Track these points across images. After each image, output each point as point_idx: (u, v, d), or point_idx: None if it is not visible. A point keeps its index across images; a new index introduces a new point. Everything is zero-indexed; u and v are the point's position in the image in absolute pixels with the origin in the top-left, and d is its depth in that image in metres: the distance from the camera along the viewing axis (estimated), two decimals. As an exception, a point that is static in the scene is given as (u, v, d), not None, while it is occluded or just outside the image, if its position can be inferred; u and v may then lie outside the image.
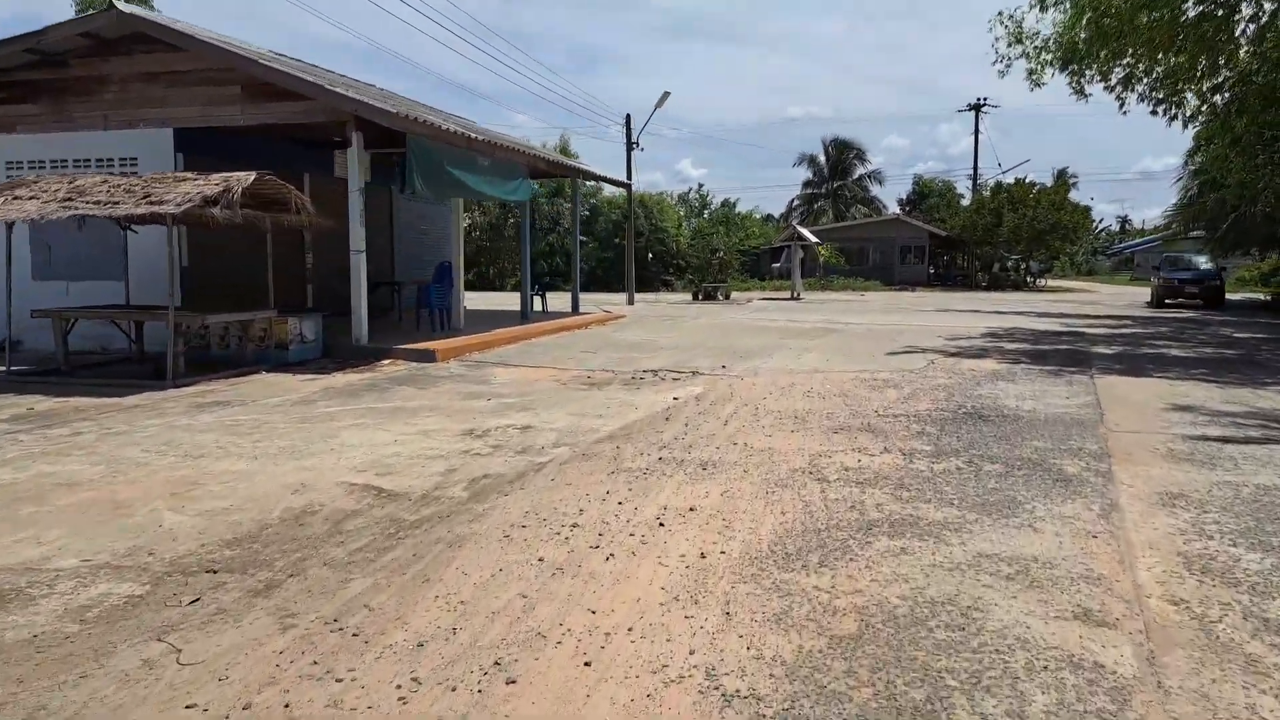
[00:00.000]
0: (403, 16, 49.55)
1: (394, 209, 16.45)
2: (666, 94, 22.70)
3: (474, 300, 23.23)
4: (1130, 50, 15.43)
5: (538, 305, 18.52)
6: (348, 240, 10.50)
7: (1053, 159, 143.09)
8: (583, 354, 11.30)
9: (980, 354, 11.54)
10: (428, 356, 10.45)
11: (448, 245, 18.36)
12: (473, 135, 11.03)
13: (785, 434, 6.20)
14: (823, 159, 58.73)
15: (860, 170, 59.09)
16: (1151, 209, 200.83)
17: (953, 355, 11.35)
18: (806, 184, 60.15)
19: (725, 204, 51.29)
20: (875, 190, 60.44)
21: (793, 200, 60.12)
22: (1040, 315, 20.31)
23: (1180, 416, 6.97)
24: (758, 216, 57.68)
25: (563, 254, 39.33)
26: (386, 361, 10.38)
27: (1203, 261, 24.34)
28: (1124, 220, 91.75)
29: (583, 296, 30.60)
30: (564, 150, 39.47)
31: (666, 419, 6.83)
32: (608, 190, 44.18)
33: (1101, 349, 12.46)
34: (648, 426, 6.52)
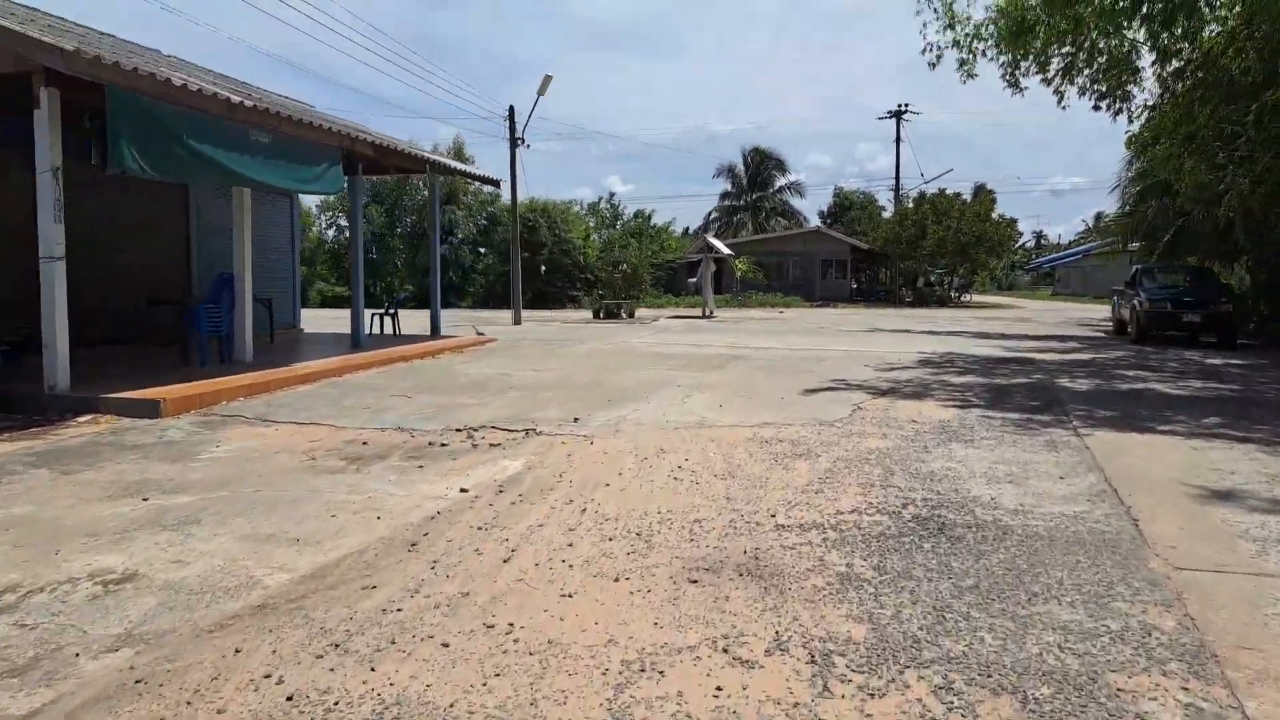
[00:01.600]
0: (297, 24, 45.55)
1: (192, 205, 13.17)
2: (549, 78, 19.95)
3: (324, 320, 19.94)
4: (1087, 21, 13.42)
5: (388, 327, 15.44)
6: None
7: (964, 176, 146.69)
8: (392, 399, 8.36)
9: (920, 392, 9.09)
10: (148, 409, 7.34)
11: (275, 251, 15.20)
12: (233, 98, 8.00)
13: (600, 591, 3.43)
14: (742, 169, 57.12)
15: (780, 181, 57.74)
16: (1058, 224, 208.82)
17: (885, 394, 8.87)
18: (725, 195, 58.42)
19: (639, 215, 48.87)
20: (796, 203, 59.23)
21: (710, 213, 58.28)
22: (976, 336, 18.29)
23: (1255, 521, 4.50)
24: (675, 230, 55.51)
25: (458, 267, 36.18)
26: (84, 418, 7.22)
27: (1190, 277, 17.46)
28: (1039, 235, 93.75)
29: (468, 315, 27.62)
30: (458, 154, 36.36)
31: (412, 546, 3.98)
32: (509, 196, 41.25)
33: (1065, 382, 10.20)
34: (359, 572, 3.66)
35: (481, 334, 16.42)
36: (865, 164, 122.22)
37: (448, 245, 36.23)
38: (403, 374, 10.46)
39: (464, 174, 14.47)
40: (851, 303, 40.20)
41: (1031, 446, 6.24)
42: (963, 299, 41.70)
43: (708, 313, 26.76)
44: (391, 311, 15.31)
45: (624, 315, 24.14)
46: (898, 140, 44.91)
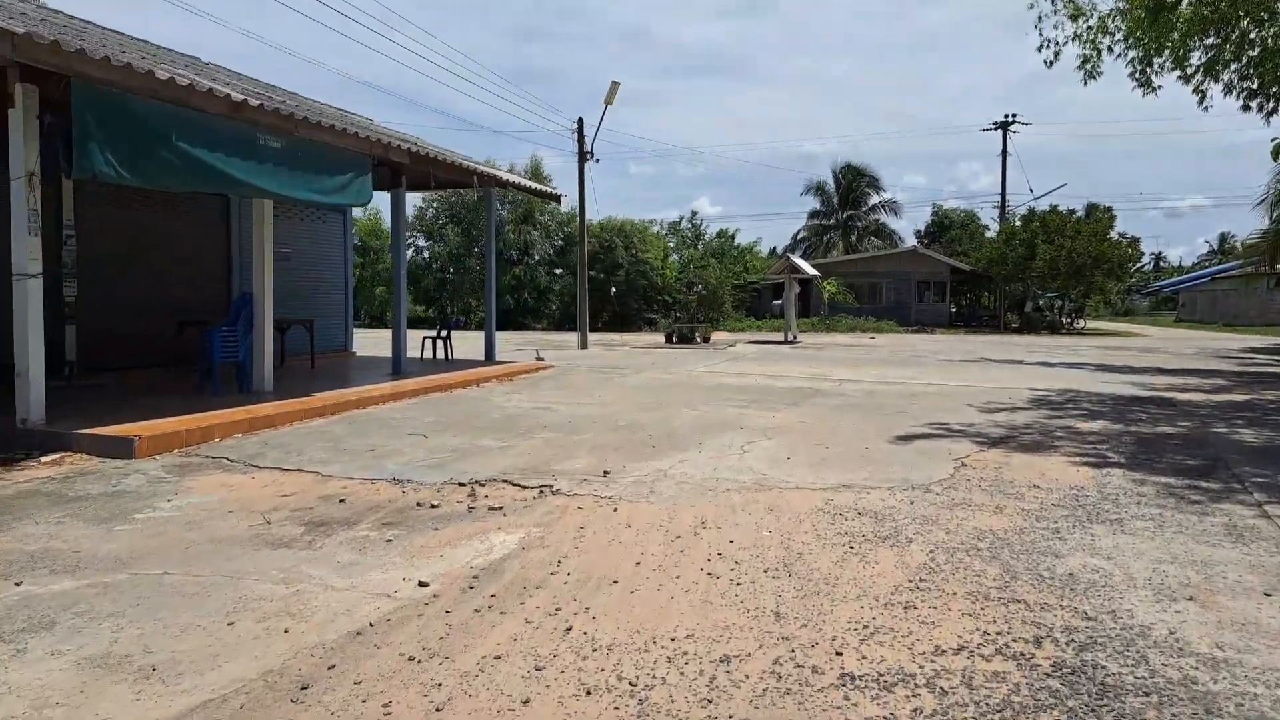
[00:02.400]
0: (392, 54, 46.82)
1: (234, 219, 12.62)
2: (615, 84, 18.97)
3: (386, 342, 19.26)
4: (1237, 8, 11.53)
5: (441, 351, 14.59)
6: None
7: (1076, 193, 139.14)
8: (404, 440, 7.31)
9: (1041, 443, 7.47)
10: (121, 448, 6.48)
11: (327, 269, 14.59)
12: (234, 95, 7.17)
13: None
14: (832, 187, 55.11)
15: (874, 199, 55.42)
16: (1178, 246, 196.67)
17: (996, 445, 7.30)
18: (814, 214, 56.49)
19: (722, 234, 47.55)
20: (891, 223, 56.76)
21: (798, 232, 56.43)
22: (1099, 369, 16.19)
23: None
24: (761, 250, 53.90)
25: (533, 288, 35.67)
26: (50, 457, 6.41)
27: None
28: (1158, 257, 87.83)
29: (538, 338, 26.78)
30: (535, 173, 35.94)
31: (303, 690, 2.79)
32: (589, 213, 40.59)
33: (1224, 431, 8.36)
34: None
35: (541, 359, 15.42)
36: (966, 184, 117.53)
37: (523, 266, 35.78)
38: (432, 406, 9.45)
39: (517, 186, 13.53)
40: (950, 328, 37.77)
41: (1207, 533, 4.64)
42: (1075, 325, 38.66)
43: (790, 338, 25.19)
44: (444, 335, 14.46)
45: (698, 339, 22.84)
46: (1004, 153, 42.32)
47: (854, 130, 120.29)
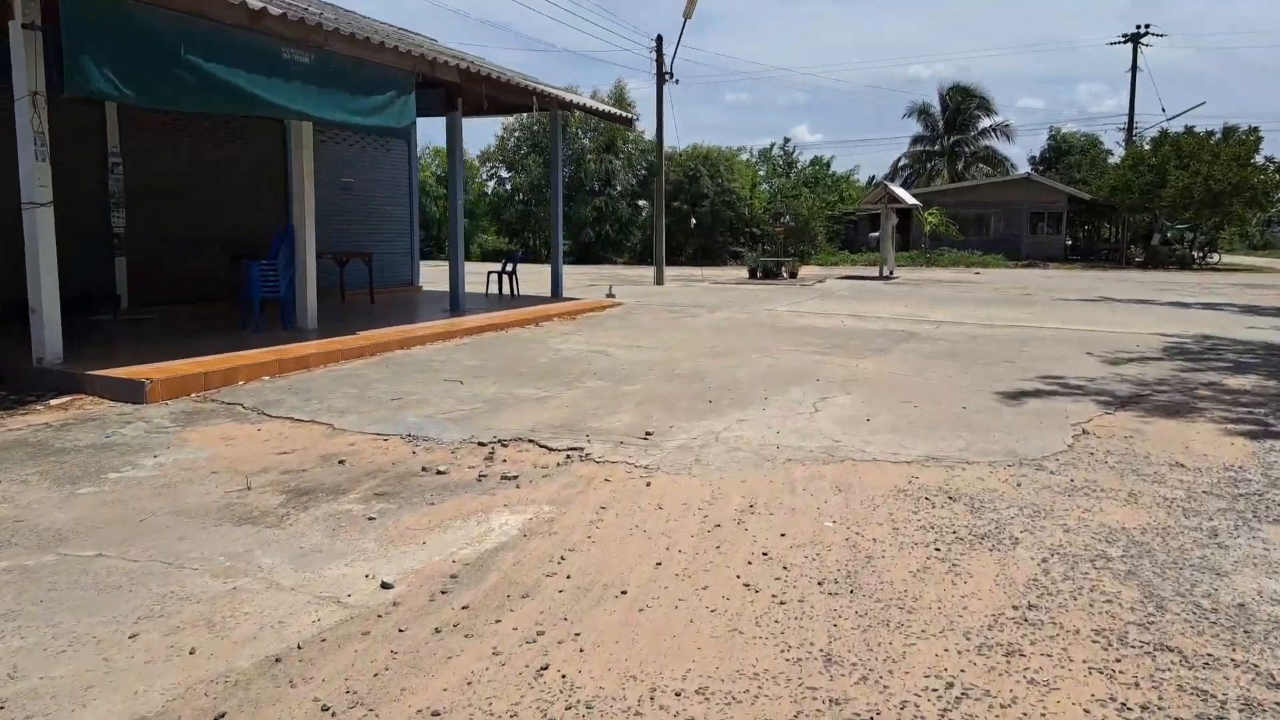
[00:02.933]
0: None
1: (291, 145, 12.12)
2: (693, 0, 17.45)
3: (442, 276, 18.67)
4: None
5: (505, 287, 13.95)
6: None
7: (1216, 113, 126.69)
8: (438, 387, 6.66)
9: (1181, 405, 6.23)
10: (132, 392, 6.04)
11: (390, 200, 14.08)
12: (254, 4, 6.43)
13: None
14: (938, 110, 51.40)
15: (984, 122, 51.51)
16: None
17: (1125, 406, 6.12)
18: (916, 140, 52.96)
19: (816, 162, 45.21)
20: (1001, 148, 52.82)
21: (899, 159, 53.11)
22: (1242, 311, 14.28)
23: None
24: (859, 179, 51.16)
25: (615, 221, 34.72)
26: (62, 399, 6.03)
27: None
28: (1311, 184, 79.71)
29: (616, 273, 25.94)
30: (619, 99, 34.55)
31: (164, 752, 2.11)
32: (671, 141, 39.04)
33: None
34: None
35: (612, 296, 14.62)
36: (1087, 107, 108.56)
37: (605, 197, 34.82)
38: (481, 348, 8.80)
39: (581, 108, 12.48)
40: (1066, 263, 35.00)
41: None
42: (1208, 260, 35.27)
43: (886, 273, 23.59)
44: (509, 269, 13.78)
45: (784, 275, 21.58)
46: (1133, 69, 38.35)
47: (964, 50, 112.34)
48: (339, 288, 12.29)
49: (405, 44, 8.42)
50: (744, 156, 43.15)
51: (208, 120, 10.83)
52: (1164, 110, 62.79)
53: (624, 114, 13.26)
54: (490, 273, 14.18)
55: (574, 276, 23.59)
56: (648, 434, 5.21)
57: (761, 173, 44.11)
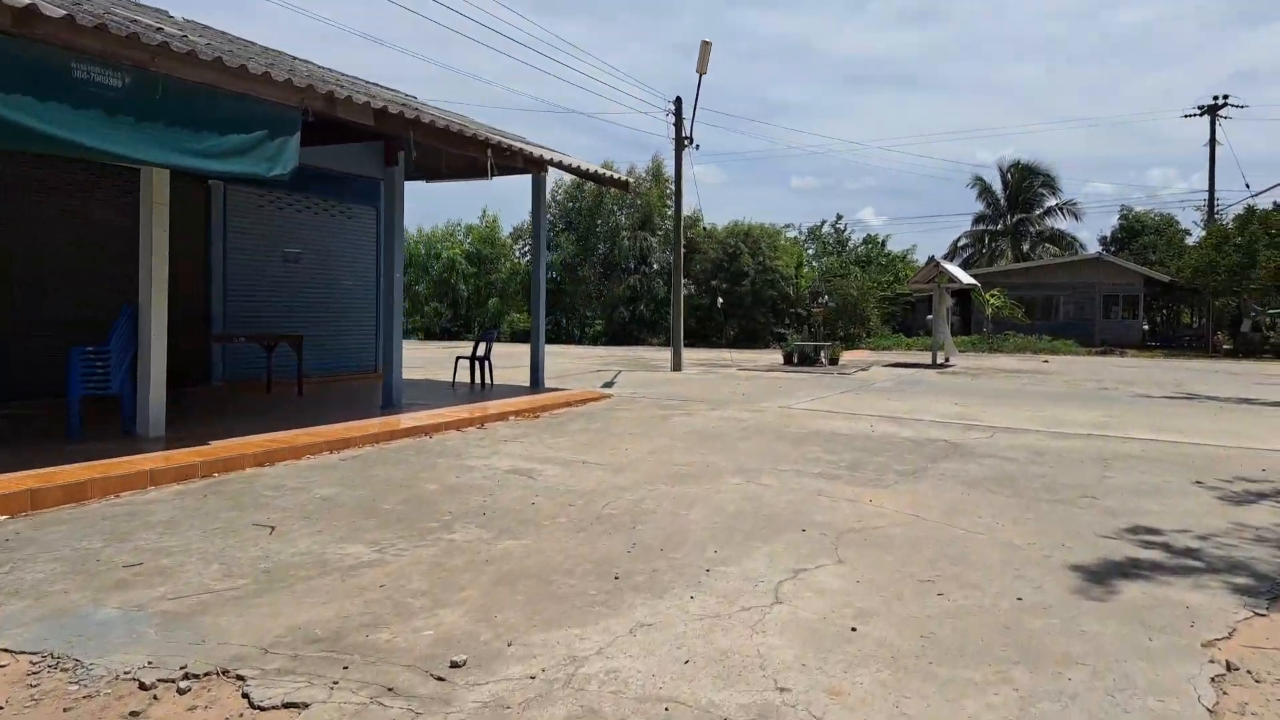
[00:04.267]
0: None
1: (215, 208, 10.59)
2: (707, 44, 15.82)
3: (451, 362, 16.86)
4: None
5: (479, 374, 12.01)
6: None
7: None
8: (249, 530, 4.61)
9: (1386, 606, 3.79)
10: None
11: (350, 273, 12.44)
12: (24, 2, 4.73)
13: None
14: (999, 188, 49.15)
15: (1049, 201, 48.94)
16: None
17: (1292, 609, 3.72)
18: (978, 219, 50.62)
19: (870, 240, 43.12)
20: (1069, 228, 50.00)
21: (958, 239, 50.70)
22: (1385, 416, 11.45)
23: None
24: (916, 260, 48.77)
25: (650, 300, 32.99)
26: None
27: None
28: None
29: (643, 355, 23.91)
30: (656, 172, 33.23)
31: None
32: (710, 218, 37.48)
33: None
34: None
35: (610, 385, 12.57)
36: (1160, 190, 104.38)
37: (640, 275, 33.19)
38: (365, 467, 6.76)
39: (562, 165, 10.57)
40: (1144, 349, 31.85)
41: None
42: (1308, 348, 31.66)
43: (940, 360, 21.09)
44: (480, 356, 11.85)
45: (823, 360, 19.28)
46: (1212, 142, 35.69)
47: (1031, 136, 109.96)
48: (266, 377, 10.53)
49: (281, 70, 6.69)
50: (792, 234, 41.44)
51: (84, 174, 9.30)
52: (1248, 186, 58.93)
53: (614, 175, 11.44)
54: (459, 358, 12.28)
55: (588, 360, 21.74)
56: (455, 663, 3.03)
57: (810, 251, 42.17)
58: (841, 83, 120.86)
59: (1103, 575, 4.15)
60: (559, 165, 10.61)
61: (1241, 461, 7.47)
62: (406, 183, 13.45)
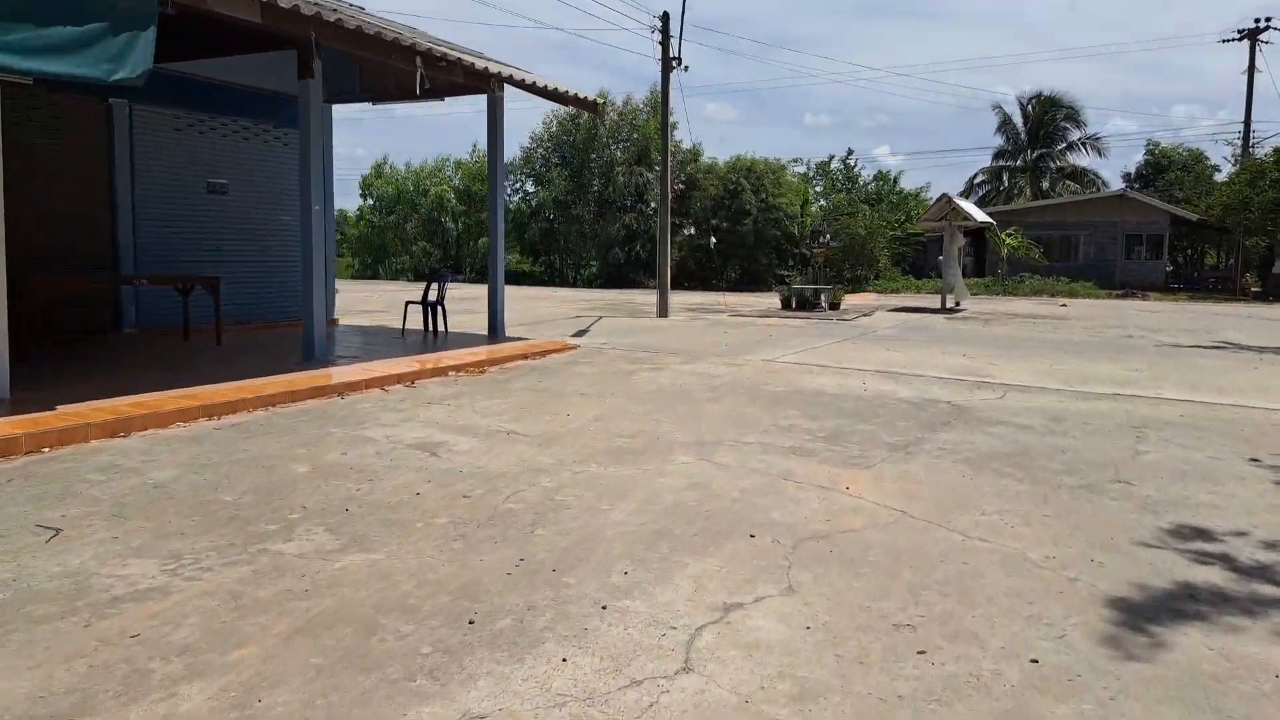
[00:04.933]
0: None
1: (118, 128, 9.36)
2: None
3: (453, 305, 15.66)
4: None
5: (437, 321, 10.86)
6: None
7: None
8: (20, 534, 3.55)
9: None
10: None
11: (285, 209, 11.25)
12: None
13: None
14: (1019, 121, 46.92)
15: (1073, 134, 46.72)
16: None
17: None
18: (997, 155, 48.45)
19: (880, 177, 41.30)
20: (1093, 165, 47.92)
21: (975, 175, 48.61)
22: None
23: None
24: (929, 198, 46.92)
25: (646, 240, 31.55)
26: None
27: None
28: None
29: (634, 299, 22.62)
30: (656, 105, 31.39)
31: None
32: (711, 152, 35.76)
33: None
34: None
35: (581, 334, 11.42)
36: (1185, 132, 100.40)
37: (636, 213, 31.70)
38: (237, 437, 5.67)
39: (517, 83, 9.11)
40: (1168, 292, 30.40)
41: None
42: (1342, 291, 30.12)
43: (951, 304, 19.81)
44: (432, 301, 10.66)
45: (823, 304, 18.03)
46: (1250, 70, 33.51)
47: (1054, 67, 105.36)
48: (183, 324, 9.43)
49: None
50: (800, 169, 39.67)
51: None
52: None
53: (580, 95, 10.05)
54: (408, 303, 11.10)
55: (574, 304, 20.59)
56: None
57: (818, 189, 40.43)
58: (858, 14, 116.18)
59: (1148, 614, 3.04)
60: (511, 81, 9.27)
61: (1300, 430, 6.32)
62: (352, 104, 12.23)
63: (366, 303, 18.63)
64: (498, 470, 4.83)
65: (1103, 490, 4.63)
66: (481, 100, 10.22)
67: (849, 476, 4.82)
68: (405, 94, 10.81)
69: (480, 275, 35.92)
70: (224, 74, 10.17)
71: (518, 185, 35.37)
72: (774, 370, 8.97)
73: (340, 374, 7.54)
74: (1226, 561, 3.60)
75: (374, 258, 38.94)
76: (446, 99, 10.91)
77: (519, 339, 10.66)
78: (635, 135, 31.95)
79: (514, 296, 24.37)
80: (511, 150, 52.54)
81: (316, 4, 6.77)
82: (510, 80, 9.24)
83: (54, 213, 8.89)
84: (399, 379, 7.68)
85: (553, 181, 32.54)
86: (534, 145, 33.99)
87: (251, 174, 10.89)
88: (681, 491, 4.46)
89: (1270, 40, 33.67)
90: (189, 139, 10.10)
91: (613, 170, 31.80)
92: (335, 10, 7.06)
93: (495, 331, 10.70)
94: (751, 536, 3.79)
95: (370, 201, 39.76)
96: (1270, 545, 3.80)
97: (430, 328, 10.67)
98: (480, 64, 8.58)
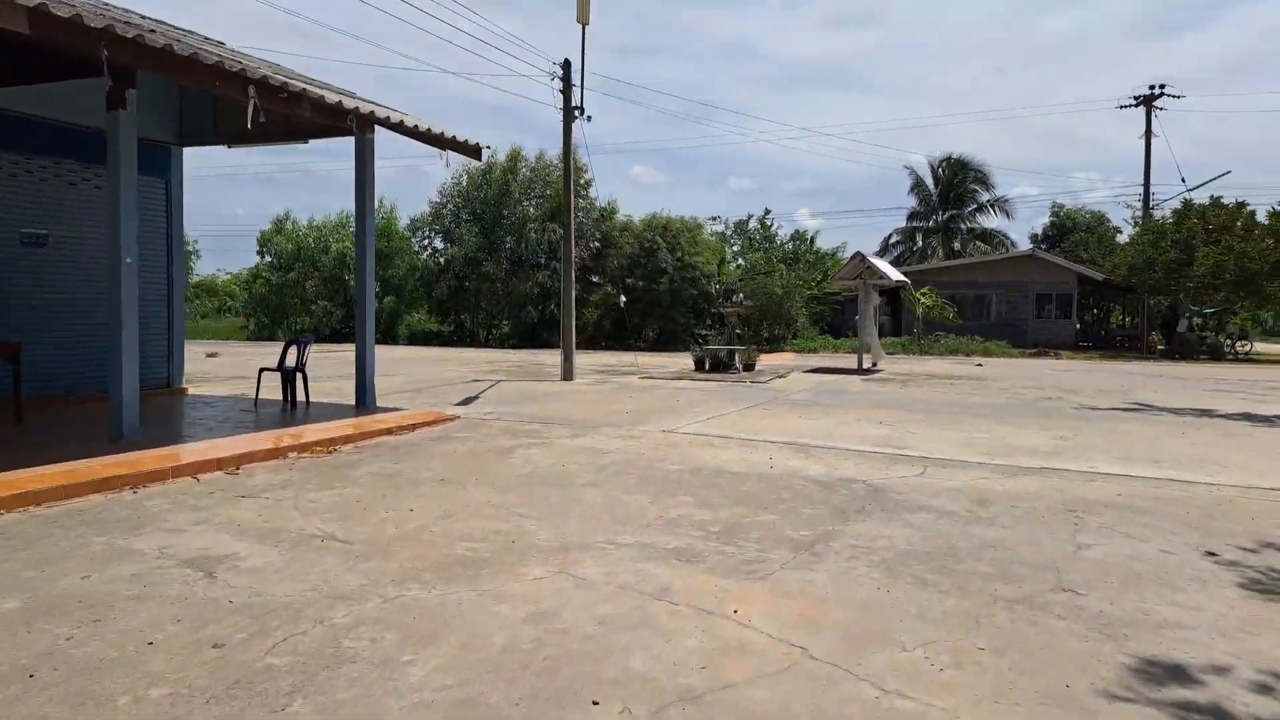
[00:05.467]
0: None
1: None
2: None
3: (333, 369, 14.40)
4: None
5: (296, 390, 9.61)
6: None
7: (1243, 183, 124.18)
8: None
9: None
10: None
11: (101, 258, 9.89)
12: None
13: None
14: (930, 184, 48.38)
15: (982, 196, 48.34)
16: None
17: None
18: (911, 215, 49.77)
19: (797, 236, 41.67)
20: (1001, 226, 49.53)
21: (889, 235, 49.73)
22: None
23: None
24: (844, 257, 47.64)
25: (558, 298, 30.70)
26: None
27: None
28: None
29: (537, 359, 21.66)
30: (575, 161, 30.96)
31: None
32: (626, 210, 35.35)
33: None
34: None
35: (467, 403, 10.31)
36: (1086, 195, 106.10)
37: (549, 271, 30.86)
38: None
39: (382, 122, 8.15)
40: (1078, 350, 31.00)
41: None
42: (1240, 349, 31.27)
43: (868, 364, 19.40)
44: (292, 368, 9.42)
45: (736, 366, 17.35)
46: (1148, 134, 35.13)
47: (964, 134, 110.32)
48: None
49: None
50: (718, 229, 39.70)
51: None
52: (1184, 180, 59.20)
53: (460, 139, 9.11)
54: (262, 370, 9.84)
55: (474, 366, 19.42)
56: None
57: (735, 248, 40.49)
58: (780, 86, 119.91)
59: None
60: (374, 119, 8.29)
61: (1249, 510, 5.68)
62: (205, 148, 11.08)
63: (246, 366, 17.06)
64: (282, 599, 3.71)
65: (1046, 605, 3.79)
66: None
67: (739, 592, 3.87)
68: (264, 135, 9.73)
69: (383, 337, 34.38)
70: (48, 109, 8.94)
71: (426, 241, 34.26)
72: (673, 443, 8.04)
73: (145, 459, 6.27)
74: (1219, 712, 2.76)
75: (271, 318, 36.97)
76: (311, 141, 9.87)
77: (390, 410, 9.50)
78: (549, 191, 31.33)
79: (414, 358, 23.08)
80: (420, 206, 51.44)
81: (111, 17, 5.73)
82: (373, 118, 8.26)
83: None
84: (219, 464, 6.45)
85: (463, 238, 31.52)
86: (444, 200, 33.01)
87: (79, 224, 9.57)
88: (518, 627, 3.42)
89: (1164, 106, 35.44)
90: (2, 182, 8.76)
91: (525, 227, 31.01)
92: (138, 27, 5.99)
93: (364, 402, 9.52)
94: (595, 704, 2.78)
95: (268, 259, 37.91)
96: (1264, 688, 2.99)
97: (289, 398, 9.43)
98: (333, 98, 7.58)
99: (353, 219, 38.98)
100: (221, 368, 17.54)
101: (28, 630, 3.35)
